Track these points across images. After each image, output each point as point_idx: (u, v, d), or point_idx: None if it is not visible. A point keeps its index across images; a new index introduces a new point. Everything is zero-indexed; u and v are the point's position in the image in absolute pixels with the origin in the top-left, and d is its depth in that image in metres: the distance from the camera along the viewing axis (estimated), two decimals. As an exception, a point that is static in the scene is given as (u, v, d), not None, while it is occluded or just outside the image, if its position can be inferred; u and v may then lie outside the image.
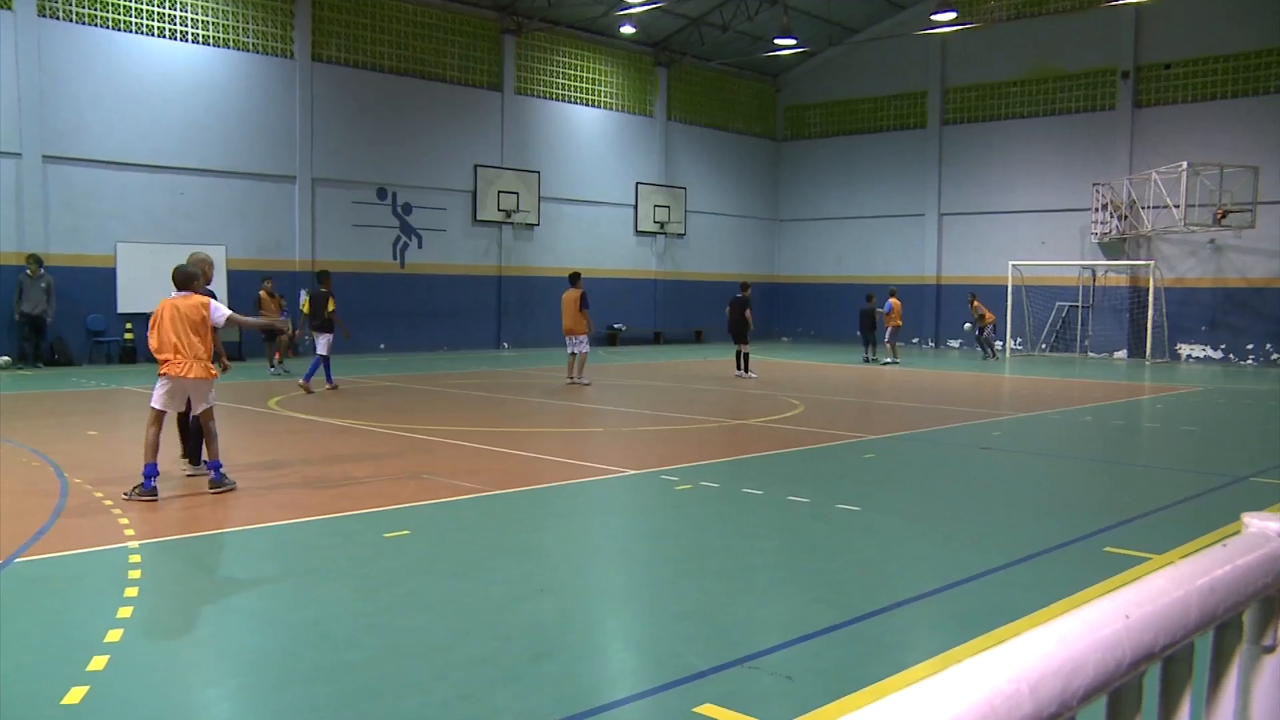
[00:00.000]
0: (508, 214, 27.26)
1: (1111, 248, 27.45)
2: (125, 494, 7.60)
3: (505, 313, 27.62)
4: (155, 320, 7.83)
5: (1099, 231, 27.10)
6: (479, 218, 26.94)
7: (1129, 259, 27.12)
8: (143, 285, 20.67)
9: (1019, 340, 28.90)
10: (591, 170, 29.60)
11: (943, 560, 6.20)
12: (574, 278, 17.39)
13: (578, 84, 29.26)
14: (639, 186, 30.71)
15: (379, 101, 24.85)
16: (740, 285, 20.03)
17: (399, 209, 25.38)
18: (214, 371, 8.04)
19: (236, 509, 7.44)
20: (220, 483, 7.94)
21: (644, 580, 5.87)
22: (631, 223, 30.71)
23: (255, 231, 22.89)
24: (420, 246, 25.80)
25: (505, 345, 27.49)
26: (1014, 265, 28.09)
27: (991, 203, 30.03)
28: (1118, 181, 26.83)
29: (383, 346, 25.11)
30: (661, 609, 5.23)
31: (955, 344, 30.89)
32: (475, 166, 26.71)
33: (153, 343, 7.83)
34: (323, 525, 6.90)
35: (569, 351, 17.21)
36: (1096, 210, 27.13)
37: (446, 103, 26.12)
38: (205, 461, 8.26)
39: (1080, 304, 28.20)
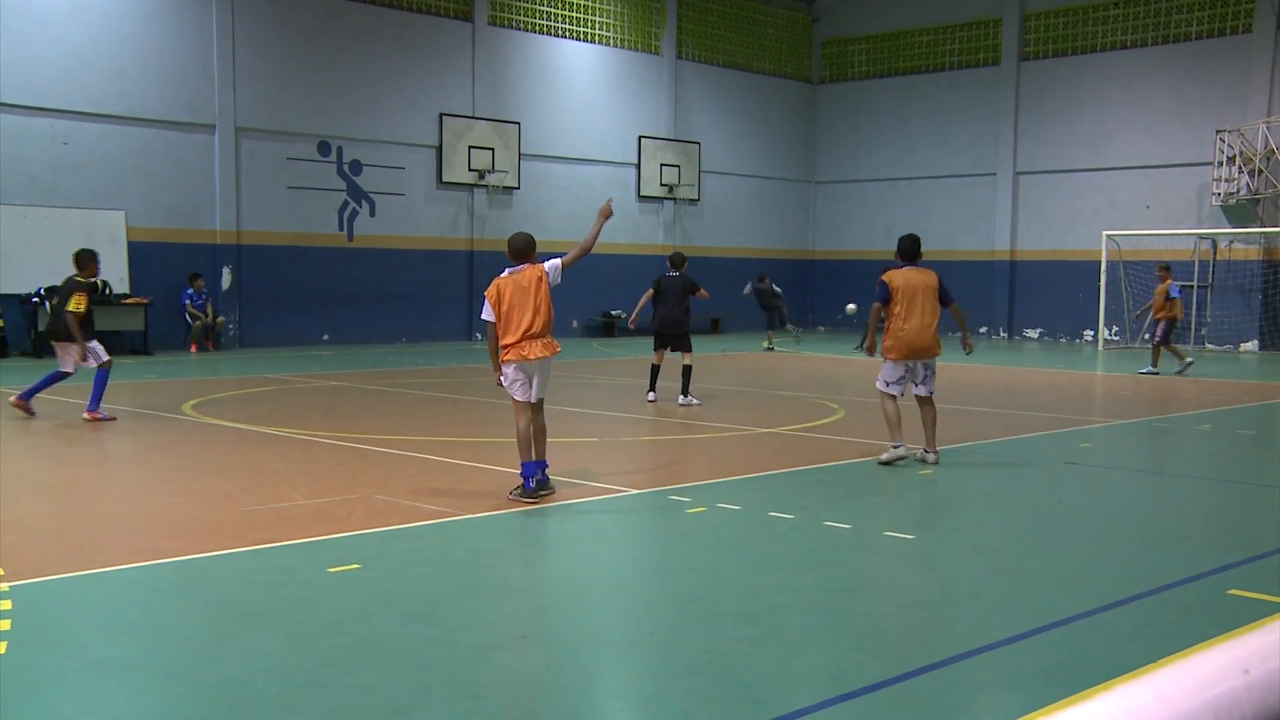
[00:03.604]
0: (481, 175, 27.27)
1: (1240, 212, 27.17)
2: None
3: (478, 296, 27.57)
4: None
5: (1224, 192, 26.89)
6: (445, 179, 26.93)
7: (1264, 226, 26.94)
8: (14, 259, 20.57)
9: (1115, 329, 28.84)
10: (584, 121, 29.60)
11: (1019, 602, 6.20)
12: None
13: (567, 13, 29.25)
14: (642, 141, 30.72)
15: (319, 33, 24.85)
16: (672, 260, 15.59)
17: (346, 168, 25.40)
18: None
19: (139, 539, 7.44)
20: None
21: (647, 625, 5.87)
22: (633, 186, 30.72)
23: (163, 194, 22.88)
24: (373, 214, 25.81)
25: (479, 336, 27.50)
26: (1109, 236, 28.01)
27: (1082, 158, 29.98)
28: (1251, 126, 26.63)
29: (326, 338, 25.14)
30: (669, 660, 5.23)
31: (1034, 334, 30.87)
32: (440, 116, 26.72)
33: None
34: (249, 558, 6.90)
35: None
36: (1221, 164, 26.90)
37: (404, 36, 26.13)
38: None
39: (1196, 283, 28.08)
